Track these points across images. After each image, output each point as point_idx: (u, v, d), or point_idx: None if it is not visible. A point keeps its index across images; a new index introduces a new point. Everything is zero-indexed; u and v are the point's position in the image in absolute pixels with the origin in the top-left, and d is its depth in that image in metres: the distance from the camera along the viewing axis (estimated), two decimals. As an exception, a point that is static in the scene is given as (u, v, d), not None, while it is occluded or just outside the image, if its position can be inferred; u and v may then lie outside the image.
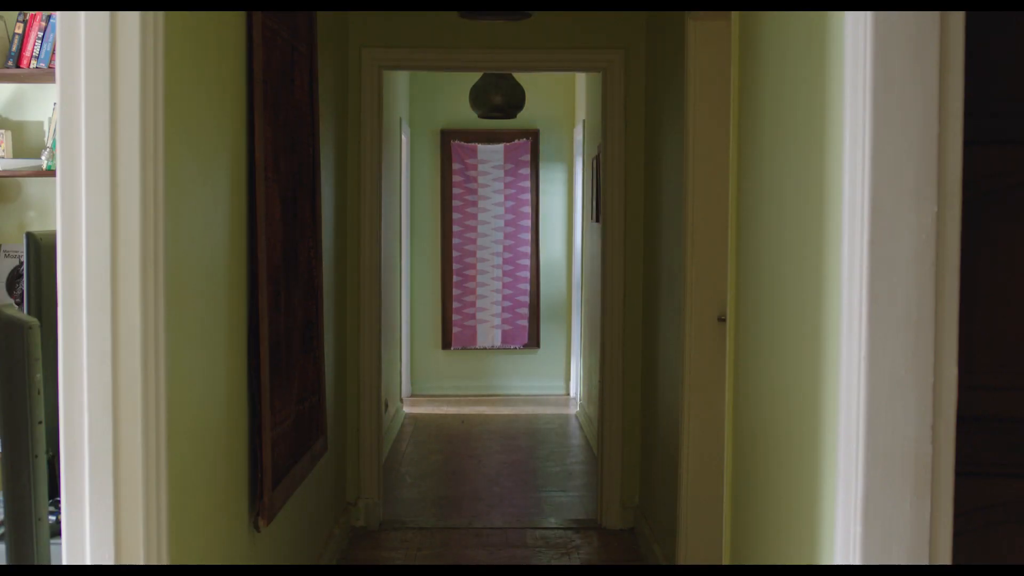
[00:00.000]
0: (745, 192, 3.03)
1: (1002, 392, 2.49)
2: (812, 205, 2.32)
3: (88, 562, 2.20)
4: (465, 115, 8.86)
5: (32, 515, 2.26)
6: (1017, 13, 2.43)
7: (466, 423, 8.47)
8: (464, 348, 9.59)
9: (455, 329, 9.58)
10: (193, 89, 2.63)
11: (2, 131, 4.77)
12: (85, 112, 2.16)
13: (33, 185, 4.90)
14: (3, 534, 2.36)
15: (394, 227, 7.99)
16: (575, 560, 5.13)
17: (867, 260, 1.98)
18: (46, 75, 4.60)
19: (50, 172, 4.60)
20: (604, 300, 5.67)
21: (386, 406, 7.16)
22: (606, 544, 5.38)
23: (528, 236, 9.55)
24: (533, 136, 9.51)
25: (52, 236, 2.39)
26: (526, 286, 9.45)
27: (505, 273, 9.44)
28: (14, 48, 4.59)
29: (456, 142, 9.49)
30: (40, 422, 2.27)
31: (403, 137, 8.66)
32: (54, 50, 4.31)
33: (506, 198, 9.51)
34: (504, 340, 9.58)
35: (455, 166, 9.51)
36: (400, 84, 8.48)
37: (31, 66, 4.60)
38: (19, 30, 4.59)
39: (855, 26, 2.00)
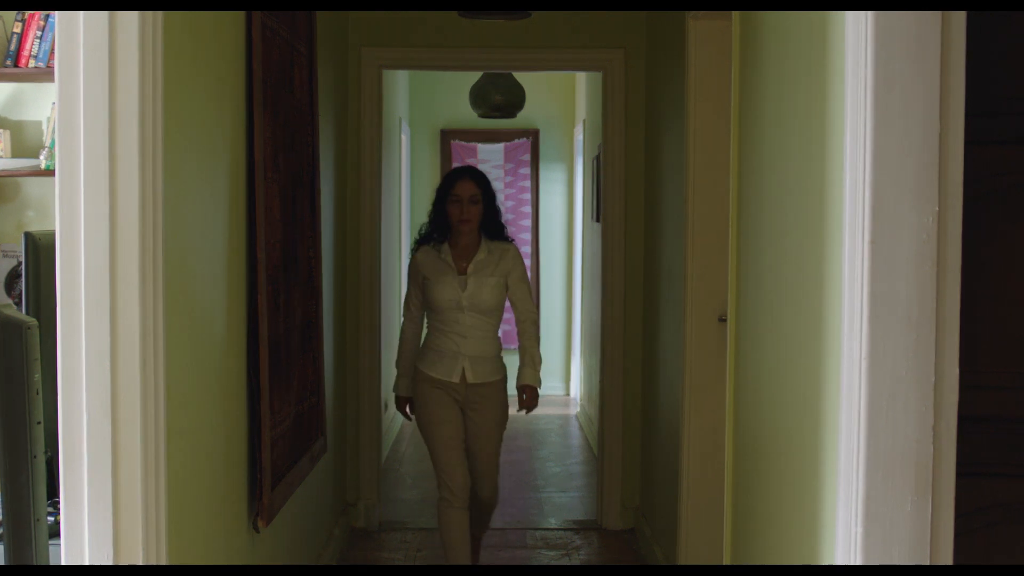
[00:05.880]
0: (745, 192, 3.02)
1: (1002, 392, 2.48)
2: (813, 204, 2.31)
3: (87, 562, 2.20)
4: (465, 115, 8.85)
5: (31, 515, 2.26)
6: (1017, 13, 2.43)
7: (466, 423, 8.45)
8: (464, 348, 9.57)
9: (455, 329, 9.55)
10: (192, 88, 2.62)
11: (1, 131, 4.77)
12: (84, 112, 2.16)
13: (32, 185, 4.90)
14: (2, 534, 2.35)
15: (394, 227, 7.99)
16: (575, 561, 5.12)
17: (868, 260, 1.97)
18: (45, 74, 4.59)
19: (49, 172, 4.59)
20: (604, 300, 5.67)
21: (386, 406, 7.16)
22: (606, 545, 5.38)
23: (528, 236, 9.54)
24: (533, 136, 9.51)
25: (51, 236, 2.39)
26: (526, 286, 9.42)
27: (505, 273, 9.42)
28: (12, 47, 4.58)
29: (456, 142, 9.49)
30: (39, 422, 2.27)
31: (403, 137, 8.65)
32: (53, 49, 4.30)
33: (506, 198, 9.50)
34: (504, 340, 9.54)
35: (455, 166, 9.50)
36: (400, 84, 8.47)
37: (29, 65, 4.58)
38: (17, 29, 4.58)
39: (856, 26, 1.99)
